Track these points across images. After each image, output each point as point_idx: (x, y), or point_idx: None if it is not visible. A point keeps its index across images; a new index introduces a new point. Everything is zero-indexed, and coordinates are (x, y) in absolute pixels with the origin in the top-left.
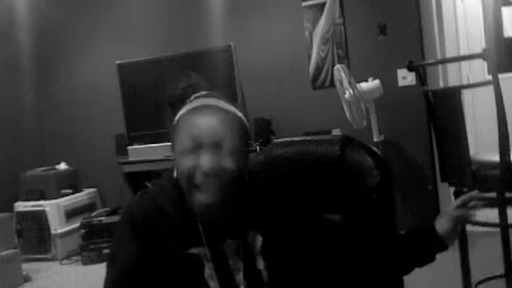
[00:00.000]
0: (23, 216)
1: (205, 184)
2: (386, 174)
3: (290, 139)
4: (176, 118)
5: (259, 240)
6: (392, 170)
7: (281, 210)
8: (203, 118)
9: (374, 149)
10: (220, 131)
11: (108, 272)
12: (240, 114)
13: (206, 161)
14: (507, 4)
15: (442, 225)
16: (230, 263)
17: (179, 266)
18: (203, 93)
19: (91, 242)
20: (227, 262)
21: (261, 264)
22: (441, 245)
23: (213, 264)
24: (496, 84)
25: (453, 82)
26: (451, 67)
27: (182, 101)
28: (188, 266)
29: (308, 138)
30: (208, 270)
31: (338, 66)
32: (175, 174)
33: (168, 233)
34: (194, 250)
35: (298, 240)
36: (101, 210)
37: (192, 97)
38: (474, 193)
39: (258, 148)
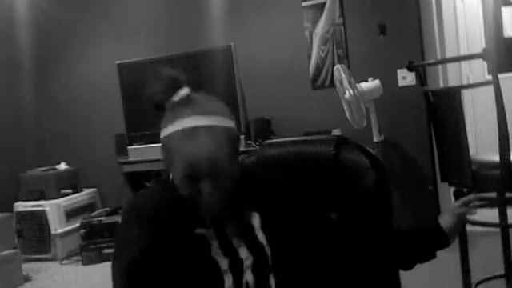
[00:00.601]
0: (23, 216)
1: (207, 201)
2: (382, 173)
3: (282, 140)
4: (166, 134)
5: (258, 217)
6: (387, 169)
7: (276, 196)
8: (196, 146)
9: (369, 149)
10: (215, 157)
11: (117, 263)
12: (228, 124)
13: (206, 189)
14: (507, 4)
15: (445, 220)
16: (233, 241)
17: (188, 247)
18: (186, 95)
19: (91, 242)
20: (230, 240)
21: (262, 239)
22: (443, 241)
23: (218, 242)
24: (496, 84)
25: (453, 82)
26: (451, 67)
27: (165, 99)
28: (196, 246)
29: (301, 138)
30: (215, 248)
31: (337, 66)
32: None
33: (172, 218)
34: (199, 231)
35: (295, 230)
36: (101, 210)
37: (177, 97)
38: (474, 195)
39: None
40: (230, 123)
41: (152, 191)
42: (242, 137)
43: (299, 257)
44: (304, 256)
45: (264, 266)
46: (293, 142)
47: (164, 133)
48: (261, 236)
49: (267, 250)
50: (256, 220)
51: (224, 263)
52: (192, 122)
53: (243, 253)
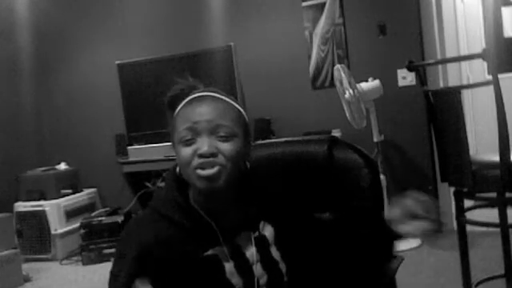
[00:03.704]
0: (23, 216)
1: (203, 165)
2: (376, 172)
3: (274, 140)
4: (174, 114)
5: (270, 230)
6: (387, 169)
7: (288, 203)
8: (199, 107)
9: (362, 149)
10: (215, 117)
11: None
12: (237, 105)
13: (203, 145)
14: (507, 4)
15: (390, 212)
16: (247, 256)
17: (199, 270)
18: (201, 89)
19: (91, 242)
20: (244, 256)
21: (276, 255)
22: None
23: (232, 260)
24: (496, 84)
25: (453, 82)
26: (451, 67)
27: (179, 100)
28: (208, 268)
29: (294, 138)
30: (228, 268)
31: (337, 65)
32: (177, 169)
33: (181, 241)
34: (211, 251)
35: (301, 235)
36: (101, 210)
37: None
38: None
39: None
40: (241, 109)
41: (157, 209)
42: None
43: (312, 269)
44: (315, 266)
45: (279, 283)
46: (285, 142)
47: (174, 115)
48: (274, 251)
49: (281, 266)
50: (269, 233)
51: (239, 283)
52: (201, 93)
53: (258, 270)
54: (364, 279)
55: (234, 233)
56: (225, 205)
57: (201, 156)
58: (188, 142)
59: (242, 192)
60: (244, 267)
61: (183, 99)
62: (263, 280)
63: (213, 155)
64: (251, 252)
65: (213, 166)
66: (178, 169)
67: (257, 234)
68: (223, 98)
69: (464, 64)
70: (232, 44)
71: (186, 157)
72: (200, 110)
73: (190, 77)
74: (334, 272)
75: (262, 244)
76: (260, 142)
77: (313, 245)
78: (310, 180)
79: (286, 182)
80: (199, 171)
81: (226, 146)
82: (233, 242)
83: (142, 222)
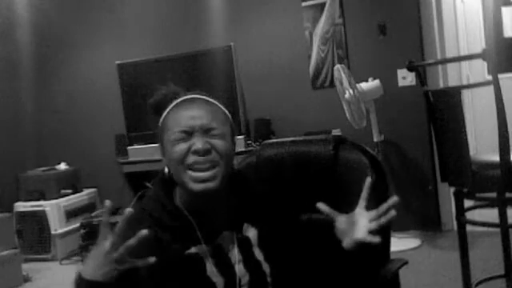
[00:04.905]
0: (23, 216)
1: (197, 163)
2: (382, 172)
3: (281, 140)
4: (163, 116)
5: (254, 232)
6: (387, 168)
7: (273, 206)
8: (191, 109)
9: (368, 148)
10: (209, 118)
11: None
12: (223, 108)
13: (198, 142)
14: (507, 4)
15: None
16: (229, 256)
17: (180, 268)
18: (184, 93)
19: (91, 242)
20: (226, 255)
21: (260, 256)
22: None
23: (213, 259)
24: (496, 84)
25: (453, 82)
26: (451, 67)
27: (164, 105)
28: (189, 267)
29: (301, 138)
30: (209, 267)
31: (337, 66)
32: (166, 170)
33: (164, 239)
34: (192, 250)
35: (290, 237)
36: (101, 210)
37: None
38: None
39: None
40: (227, 112)
41: (147, 210)
42: (242, 137)
43: (298, 270)
44: (303, 267)
45: (262, 283)
46: (292, 141)
47: (163, 116)
48: (257, 252)
49: (265, 267)
50: (253, 235)
51: (220, 282)
52: (192, 95)
53: (240, 270)
54: (353, 281)
55: (217, 233)
56: (212, 205)
57: (195, 152)
58: (182, 141)
59: (229, 193)
60: (225, 266)
61: (166, 104)
62: (245, 280)
63: (207, 152)
64: (233, 252)
65: (207, 169)
66: (165, 169)
67: (239, 235)
68: (213, 100)
69: (464, 64)
70: (232, 44)
71: (179, 153)
72: (193, 111)
73: (173, 83)
74: (320, 273)
75: (244, 245)
76: (268, 141)
77: (298, 246)
78: (313, 179)
79: (287, 183)
80: (193, 173)
81: (220, 143)
82: (215, 241)
83: (130, 220)
